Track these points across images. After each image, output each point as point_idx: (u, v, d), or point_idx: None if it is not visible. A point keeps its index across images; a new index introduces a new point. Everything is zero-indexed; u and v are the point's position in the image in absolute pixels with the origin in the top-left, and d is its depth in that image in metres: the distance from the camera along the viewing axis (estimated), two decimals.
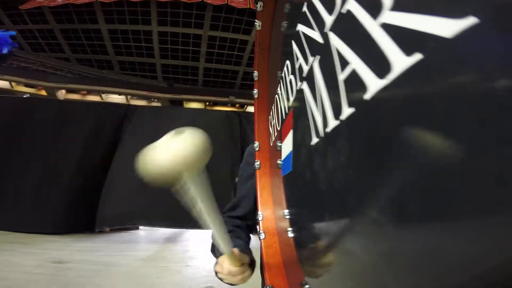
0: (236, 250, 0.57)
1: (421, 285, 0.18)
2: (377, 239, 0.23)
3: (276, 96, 0.65)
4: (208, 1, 9.70)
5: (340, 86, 0.28)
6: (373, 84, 0.22)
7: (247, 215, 0.80)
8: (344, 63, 0.27)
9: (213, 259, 0.68)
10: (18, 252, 3.93)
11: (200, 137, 0.32)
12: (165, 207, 4.83)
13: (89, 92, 13.91)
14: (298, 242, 0.50)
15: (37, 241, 4.62)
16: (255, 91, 0.78)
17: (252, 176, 0.79)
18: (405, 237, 0.20)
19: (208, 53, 14.08)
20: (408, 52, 0.18)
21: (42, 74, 13.50)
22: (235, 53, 13.90)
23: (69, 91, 13.78)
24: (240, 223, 0.78)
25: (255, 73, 0.76)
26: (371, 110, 0.23)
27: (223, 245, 0.53)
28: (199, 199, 0.37)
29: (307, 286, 0.43)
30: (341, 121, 0.29)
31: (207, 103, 14.09)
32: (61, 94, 13.55)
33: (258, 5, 0.67)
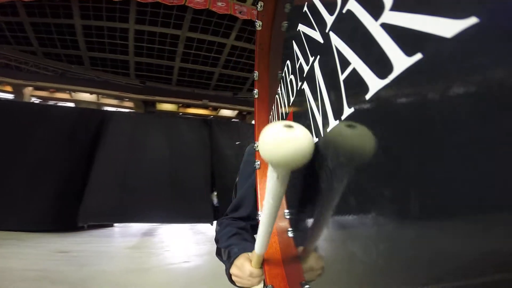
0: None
1: (420, 284, 0.18)
2: (377, 239, 0.23)
3: (276, 96, 0.65)
4: (190, 5, 9.70)
5: (340, 86, 0.28)
6: (374, 84, 0.22)
7: (250, 215, 0.79)
8: (345, 63, 0.27)
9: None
10: (23, 246, 4.47)
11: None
12: (140, 205, 6.03)
13: (57, 90, 13.19)
14: (298, 242, 0.50)
15: (30, 237, 5.09)
16: (255, 91, 0.78)
17: (252, 174, 0.78)
18: (405, 236, 0.20)
19: (185, 53, 13.85)
20: (408, 52, 0.18)
21: (7, 70, 12.55)
22: (212, 55, 13.73)
23: (37, 88, 12.97)
24: (244, 225, 0.78)
25: (256, 73, 0.76)
26: (371, 110, 0.23)
27: (260, 245, 0.52)
28: (274, 196, 0.35)
29: (307, 286, 0.43)
30: (341, 121, 0.29)
31: (180, 105, 13.99)
32: (28, 91, 12.79)
33: (259, 5, 0.67)
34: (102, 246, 4.86)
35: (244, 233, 0.74)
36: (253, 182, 0.75)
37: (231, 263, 0.65)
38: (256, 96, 0.78)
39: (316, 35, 0.36)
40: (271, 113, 0.74)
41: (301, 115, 0.45)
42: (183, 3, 9.60)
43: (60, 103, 12.92)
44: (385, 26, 0.20)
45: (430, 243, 0.17)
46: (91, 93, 13.91)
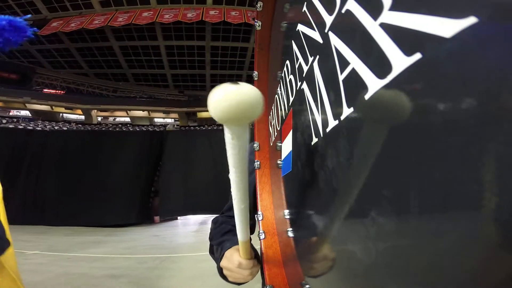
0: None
1: (419, 284, 0.18)
2: (376, 238, 0.23)
3: (276, 96, 0.65)
4: (206, 19, 11.56)
5: (340, 86, 0.28)
6: (373, 84, 0.22)
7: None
8: (344, 63, 0.27)
9: None
10: (130, 235, 7.99)
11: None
12: (196, 202, 10.19)
13: (116, 110, 18.32)
14: (298, 242, 0.50)
15: (129, 230, 9.14)
16: None
17: (251, 173, 0.78)
18: (405, 236, 0.20)
19: (213, 61, 16.42)
20: (407, 52, 0.18)
21: (78, 96, 17.55)
22: (237, 59, 16.16)
23: (101, 110, 17.95)
24: None
25: (255, 73, 0.76)
26: (370, 110, 0.23)
27: (240, 230, 0.47)
28: (235, 161, 0.31)
29: (307, 286, 0.43)
30: (341, 121, 0.29)
31: None
32: (94, 113, 17.80)
33: (258, 5, 0.67)
34: (175, 232, 8.52)
35: None
36: (252, 181, 0.75)
37: (222, 256, 0.62)
38: None
39: (315, 35, 0.36)
40: (271, 113, 0.74)
41: (300, 115, 0.45)
42: (200, 19, 11.67)
43: (118, 119, 18.98)
44: (384, 26, 0.20)
45: (430, 242, 0.17)
46: (143, 110, 18.67)
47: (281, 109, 0.61)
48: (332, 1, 0.30)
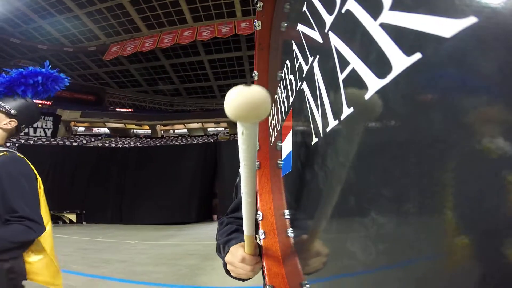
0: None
1: (418, 283, 0.18)
2: (376, 238, 0.23)
3: (276, 96, 0.65)
4: (239, 32, 13.42)
5: (340, 86, 0.28)
6: (373, 84, 0.22)
7: None
8: (344, 63, 0.27)
9: None
10: (195, 230, 9.70)
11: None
12: None
13: (176, 124, 21.77)
14: (298, 242, 0.50)
15: (191, 227, 10.66)
16: None
17: None
18: (405, 236, 0.20)
19: (251, 69, 18.62)
20: (407, 52, 0.18)
21: (147, 115, 21.39)
22: None
23: (163, 125, 21.76)
24: None
25: (255, 73, 0.76)
26: (370, 110, 0.23)
27: (246, 224, 0.49)
28: (245, 156, 0.34)
29: (307, 286, 0.43)
30: (341, 121, 0.29)
31: None
32: (159, 128, 21.66)
33: (258, 5, 0.67)
34: None
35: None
36: None
37: (227, 252, 0.63)
38: None
39: (315, 35, 0.36)
40: (271, 113, 0.74)
41: (300, 115, 0.45)
42: (234, 33, 13.46)
43: (177, 130, 22.65)
44: (384, 26, 0.20)
45: (430, 242, 0.17)
46: (197, 122, 21.88)
47: (281, 109, 0.61)
48: (332, 1, 0.30)
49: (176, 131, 23.08)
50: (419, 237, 0.18)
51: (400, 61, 0.18)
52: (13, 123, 1.22)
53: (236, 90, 0.25)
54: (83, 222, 12.20)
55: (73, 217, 12.15)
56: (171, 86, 21.54)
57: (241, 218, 0.78)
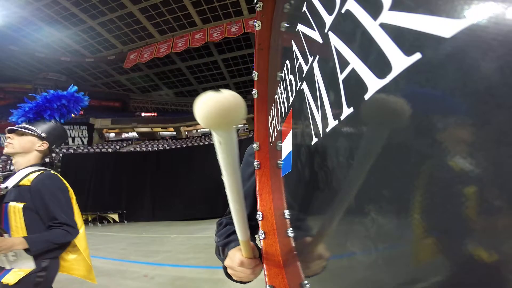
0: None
1: (418, 282, 0.18)
2: (376, 239, 0.23)
3: (276, 96, 0.65)
4: (248, 31, 13.68)
5: (339, 86, 0.28)
6: (373, 84, 0.22)
7: (249, 216, 0.78)
8: (344, 63, 0.27)
9: None
10: (213, 230, 9.76)
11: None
12: None
13: (198, 124, 22.74)
14: (298, 242, 0.50)
15: (203, 223, 11.20)
16: (255, 91, 0.78)
17: (252, 175, 0.78)
18: (404, 236, 0.20)
19: None
20: (407, 52, 0.18)
21: (171, 118, 22.33)
22: None
23: (186, 126, 22.45)
24: None
25: (255, 73, 0.76)
26: (370, 110, 0.23)
27: (238, 229, 0.48)
28: (225, 165, 0.32)
29: (307, 286, 0.43)
30: (341, 121, 0.29)
31: None
32: (183, 129, 22.54)
33: (258, 5, 0.67)
34: None
35: None
36: (253, 183, 0.75)
37: (226, 256, 0.63)
38: (255, 96, 0.78)
39: (315, 35, 0.36)
40: (271, 113, 0.74)
41: (300, 115, 0.45)
42: (243, 32, 13.81)
43: (200, 130, 23.09)
44: (384, 26, 0.20)
45: (430, 242, 0.17)
46: None
47: (281, 109, 0.61)
48: (332, 1, 0.30)
49: (199, 130, 24.16)
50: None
51: (400, 61, 0.18)
52: (46, 145, 1.41)
53: (203, 98, 0.24)
54: (124, 221, 13.54)
55: (116, 217, 13.54)
56: (190, 87, 22.37)
57: None
